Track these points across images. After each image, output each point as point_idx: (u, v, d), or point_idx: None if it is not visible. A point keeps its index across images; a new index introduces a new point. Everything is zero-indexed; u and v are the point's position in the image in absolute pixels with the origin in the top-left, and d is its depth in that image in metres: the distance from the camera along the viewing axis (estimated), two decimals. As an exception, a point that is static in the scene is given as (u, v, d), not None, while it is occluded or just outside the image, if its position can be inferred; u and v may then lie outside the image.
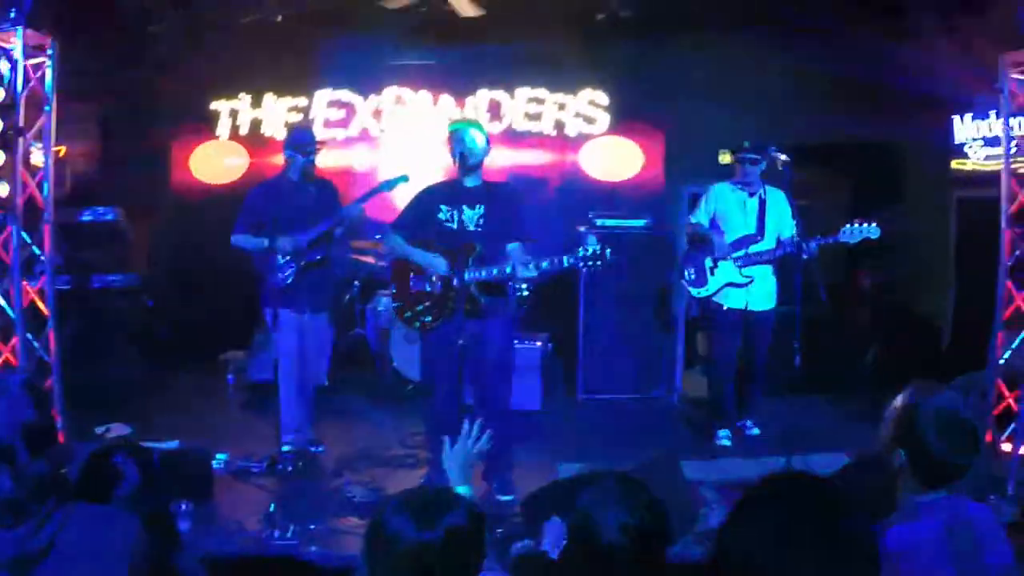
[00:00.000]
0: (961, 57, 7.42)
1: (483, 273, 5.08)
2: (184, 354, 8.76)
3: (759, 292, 6.60)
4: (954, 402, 2.52)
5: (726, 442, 6.63)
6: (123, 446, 3.01)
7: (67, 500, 2.41)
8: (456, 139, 5.23)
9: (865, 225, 6.15)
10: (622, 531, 2.14)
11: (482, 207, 5.21)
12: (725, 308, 6.64)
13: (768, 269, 6.61)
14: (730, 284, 6.61)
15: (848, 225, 6.16)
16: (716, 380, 6.90)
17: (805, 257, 6.12)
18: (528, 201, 8.20)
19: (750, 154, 6.51)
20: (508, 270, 5.04)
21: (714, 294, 6.66)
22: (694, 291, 6.77)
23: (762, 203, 6.61)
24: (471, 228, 5.16)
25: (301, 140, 6.05)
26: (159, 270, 8.99)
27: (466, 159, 5.12)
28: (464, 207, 5.11)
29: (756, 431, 6.84)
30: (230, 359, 8.28)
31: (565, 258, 4.96)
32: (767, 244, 6.56)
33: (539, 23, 8.56)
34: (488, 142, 5.36)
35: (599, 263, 4.91)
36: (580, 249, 4.90)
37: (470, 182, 5.22)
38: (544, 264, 4.98)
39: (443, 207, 5.27)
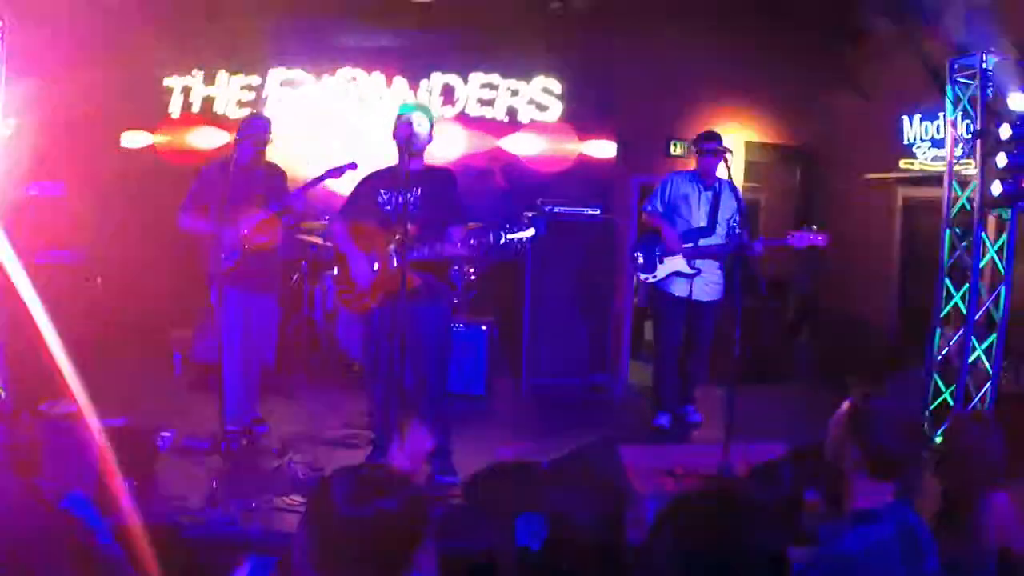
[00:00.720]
0: (912, 57, 7.58)
1: (413, 254, 5.11)
2: (131, 332, 8.73)
3: (705, 283, 6.70)
4: (895, 402, 2.70)
5: (664, 423, 6.82)
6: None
7: None
8: (402, 123, 5.27)
9: (813, 233, 6.28)
10: (595, 518, 2.22)
11: (419, 189, 5.25)
12: (671, 295, 6.75)
13: (715, 263, 6.72)
14: (677, 273, 6.71)
15: (797, 231, 6.35)
16: (658, 365, 6.98)
17: (749, 255, 6.28)
18: (478, 186, 8.35)
19: (712, 146, 6.50)
20: (437, 247, 5.10)
21: (661, 281, 6.76)
22: (642, 275, 6.85)
23: (716, 197, 6.66)
24: (410, 210, 5.19)
25: (256, 129, 6.03)
26: (107, 247, 8.91)
27: (410, 144, 5.14)
28: (403, 191, 5.13)
29: (697, 417, 6.98)
30: (177, 338, 8.25)
31: (491, 233, 4.98)
32: (716, 239, 6.64)
33: (494, 9, 8.61)
34: (432, 129, 5.40)
35: (525, 236, 4.96)
36: (507, 224, 4.96)
37: (411, 166, 5.24)
38: (471, 241, 5.04)
39: (382, 191, 5.31)
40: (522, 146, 9.60)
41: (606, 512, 2.26)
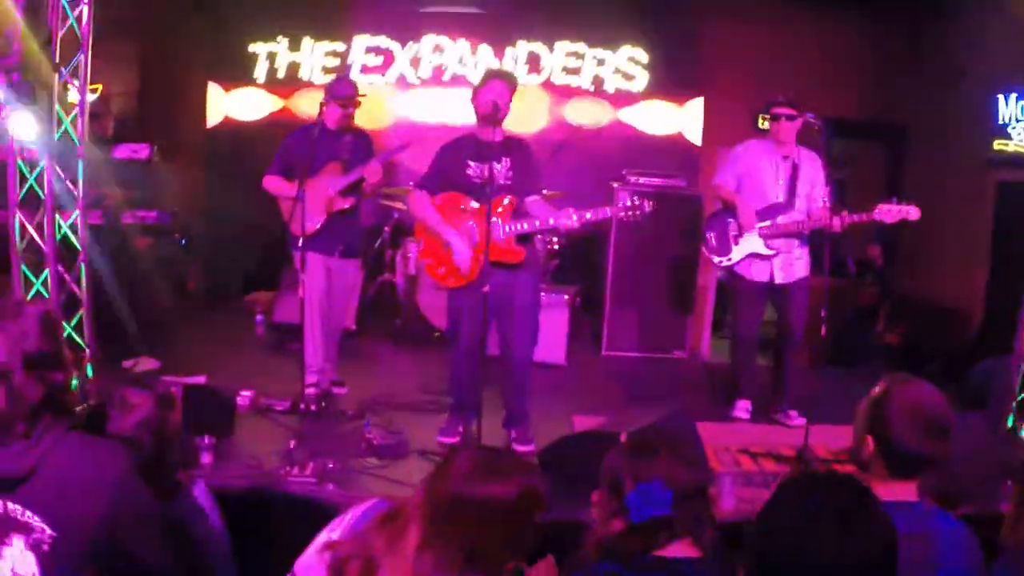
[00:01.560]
0: (1009, 35, 7.28)
1: (523, 225, 5.08)
2: (214, 293, 8.89)
3: (787, 264, 6.10)
4: (929, 394, 2.53)
5: (743, 414, 6.24)
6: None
7: (61, 426, 2.44)
8: (485, 91, 5.19)
9: (904, 205, 5.68)
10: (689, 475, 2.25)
11: (507, 160, 5.19)
12: (750, 280, 6.18)
13: (796, 240, 6.08)
14: (754, 255, 6.13)
15: (885, 203, 5.71)
16: (736, 352, 6.41)
17: (835, 232, 5.68)
18: (561, 156, 8.27)
19: (785, 108, 5.93)
20: (551, 221, 5.05)
21: (737, 264, 6.19)
22: (716, 259, 6.27)
23: (794, 168, 6.04)
24: (500, 181, 5.14)
25: (343, 91, 6.03)
26: (192, 209, 9.06)
27: (497, 111, 5.07)
28: (492, 162, 5.07)
29: (798, 421, 6.01)
30: (258, 300, 8.36)
31: (608, 209, 5.01)
32: (798, 215, 6.04)
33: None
34: (511, 96, 5.29)
35: (638, 212, 4.95)
36: (619, 200, 4.94)
37: (494, 136, 5.17)
38: (587, 215, 5.00)
39: (471, 162, 5.24)
40: (608, 116, 9.48)
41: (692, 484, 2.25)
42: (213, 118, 9.71)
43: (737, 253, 6.16)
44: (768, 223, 6.06)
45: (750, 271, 6.15)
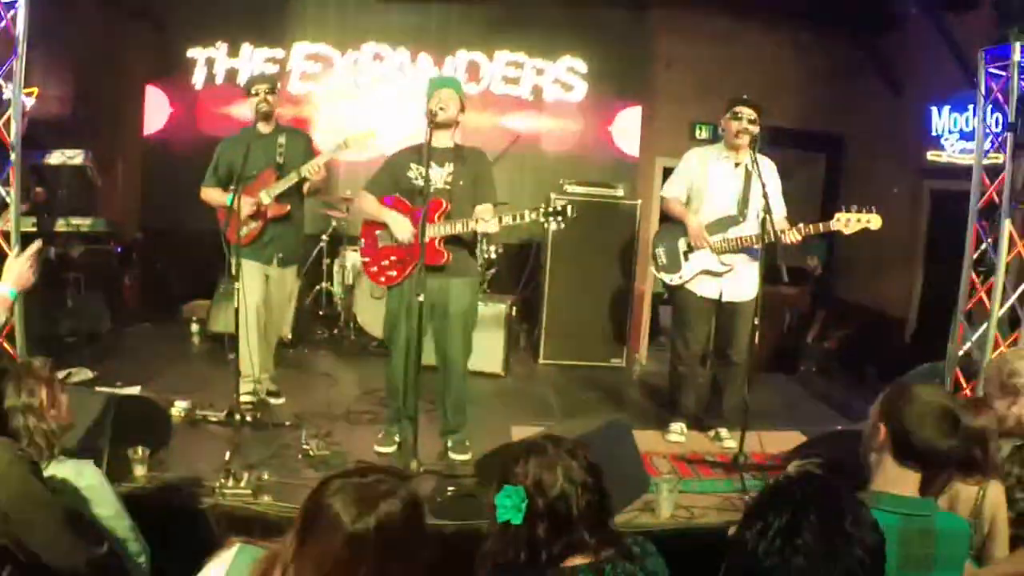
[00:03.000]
0: (942, 50, 7.47)
1: (446, 228, 5.10)
2: (149, 302, 8.78)
3: (738, 281, 5.77)
4: (944, 392, 2.74)
5: (678, 437, 5.95)
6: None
7: None
8: (430, 96, 5.23)
9: (864, 214, 5.36)
10: (566, 476, 2.21)
11: (451, 165, 5.22)
12: (698, 297, 5.87)
13: (748, 256, 5.75)
14: (706, 272, 5.82)
15: (845, 212, 5.38)
16: (678, 372, 6.09)
17: (787, 243, 5.40)
18: (501, 165, 8.29)
19: (750, 107, 5.62)
20: (471, 224, 5.07)
21: (687, 282, 5.89)
22: (666, 277, 5.96)
23: (747, 176, 5.71)
24: (439, 185, 5.17)
25: (250, 81, 6.06)
26: (127, 217, 8.94)
27: (436, 116, 5.09)
28: (433, 164, 5.10)
29: (730, 443, 5.71)
30: (194, 309, 8.27)
31: (527, 211, 4.96)
32: (750, 228, 5.69)
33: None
34: (462, 103, 5.35)
35: (561, 218, 4.93)
36: (542, 205, 4.94)
37: (440, 142, 5.20)
38: (507, 218, 5.00)
39: (412, 165, 5.27)
40: (547, 125, 9.54)
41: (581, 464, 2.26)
42: (153, 123, 9.59)
43: (688, 271, 5.88)
44: (720, 237, 5.76)
45: (699, 288, 5.87)
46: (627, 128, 9.59)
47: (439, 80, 5.57)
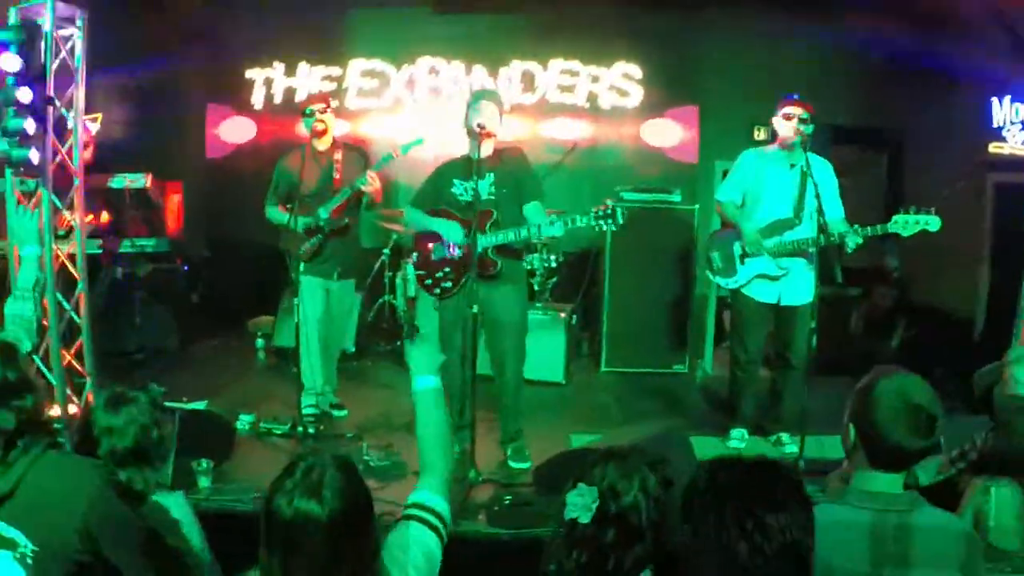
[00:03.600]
0: (1002, 39, 7.31)
1: (500, 237, 5.12)
2: (214, 319, 8.95)
3: (795, 285, 5.69)
4: (915, 387, 2.49)
5: (739, 443, 5.91)
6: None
7: (37, 447, 2.56)
8: (473, 110, 5.28)
9: (923, 215, 5.21)
10: (642, 487, 2.21)
11: (492, 175, 5.26)
12: (755, 301, 5.82)
13: (803, 260, 5.66)
14: (762, 276, 5.75)
15: (902, 214, 5.24)
16: (737, 377, 6.06)
17: (849, 248, 5.34)
18: (558, 174, 8.31)
19: (800, 106, 5.51)
20: (524, 232, 5.10)
21: (743, 286, 5.84)
22: (721, 281, 5.97)
23: (803, 176, 5.55)
24: (484, 196, 5.20)
25: (305, 100, 6.22)
26: (192, 236, 9.13)
27: (483, 130, 5.13)
28: (475, 178, 5.14)
29: (792, 448, 5.61)
30: (258, 324, 8.40)
31: (579, 216, 4.98)
32: (806, 230, 5.58)
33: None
34: (501, 112, 5.38)
35: (611, 220, 4.93)
36: (593, 209, 4.95)
37: (482, 152, 5.24)
38: (558, 224, 5.03)
39: (456, 181, 5.34)
40: (603, 132, 9.52)
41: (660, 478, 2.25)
42: (216, 143, 9.79)
43: (744, 275, 5.82)
44: (776, 240, 5.68)
45: (755, 292, 5.82)
46: (684, 132, 9.51)
47: (480, 93, 5.60)
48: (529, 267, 7.41)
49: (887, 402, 2.44)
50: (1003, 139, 7.83)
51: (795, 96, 5.60)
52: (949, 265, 8.51)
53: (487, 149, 5.29)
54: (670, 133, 9.53)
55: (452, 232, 5.29)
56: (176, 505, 3.11)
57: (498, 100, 5.43)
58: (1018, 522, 2.88)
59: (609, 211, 4.95)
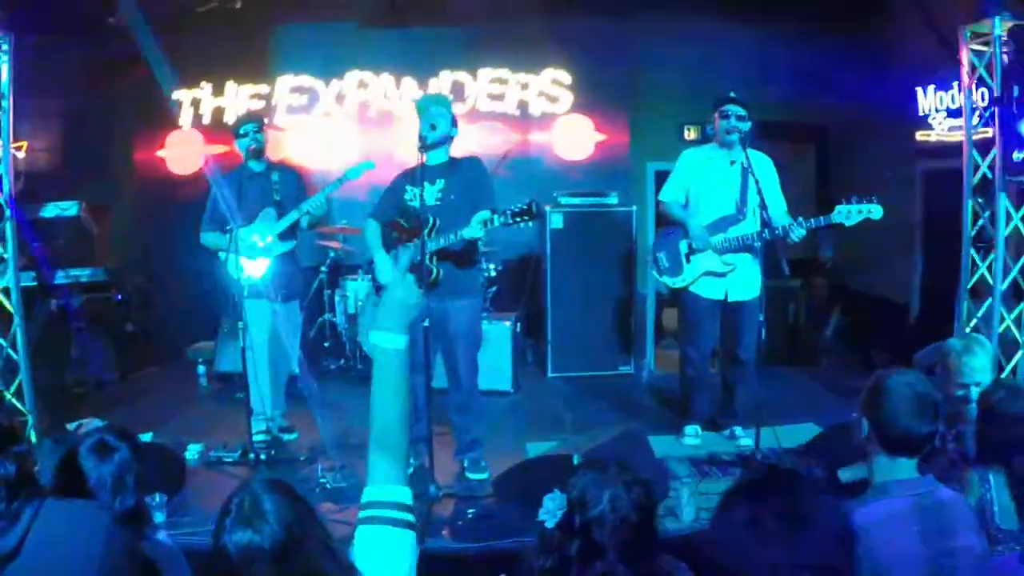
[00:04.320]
0: (924, 28, 7.47)
1: (432, 244, 5.09)
2: (153, 347, 8.78)
3: (742, 280, 5.78)
4: (918, 378, 2.74)
5: (694, 440, 5.95)
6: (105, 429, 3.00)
7: (35, 497, 2.44)
8: (420, 116, 5.26)
9: (865, 204, 5.31)
10: (612, 503, 2.21)
11: (442, 181, 5.24)
12: (703, 299, 5.88)
13: (750, 254, 5.74)
14: (709, 273, 5.82)
15: (844, 204, 5.34)
16: (688, 375, 6.11)
17: (793, 240, 5.45)
18: (493, 181, 8.29)
19: (737, 104, 5.64)
20: (452, 236, 5.05)
21: (691, 284, 5.90)
22: (669, 281, 5.98)
23: (744, 172, 5.61)
24: (431, 203, 5.17)
25: (238, 121, 6.13)
26: (126, 264, 8.95)
27: (426, 137, 5.11)
28: (426, 184, 5.11)
29: (747, 441, 5.68)
30: (199, 350, 8.26)
31: (496, 217, 4.90)
32: (750, 225, 5.67)
33: (499, 3, 8.57)
34: (454, 119, 5.37)
35: (527, 217, 4.86)
36: (508, 209, 4.89)
37: (434, 159, 5.22)
38: (475, 225, 4.94)
39: (408, 187, 5.32)
40: (536, 139, 9.54)
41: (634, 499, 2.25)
42: (145, 168, 9.61)
43: (691, 273, 5.88)
44: (722, 237, 5.75)
45: (703, 289, 5.88)
46: (615, 135, 9.55)
47: (425, 99, 5.57)
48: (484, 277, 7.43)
49: (896, 393, 2.66)
50: (930, 127, 8.01)
51: (731, 95, 5.70)
52: (882, 252, 8.69)
53: (440, 155, 5.29)
54: (601, 137, 9.55)
55: (381, 270, 5.37)
56: (165, 539, 3.06)
57: (446, 105, 5.41)
58: (1013, 502, 3.03)
59: (525, 207, 4.88)
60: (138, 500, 2.98)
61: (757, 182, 5.33)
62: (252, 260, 5.85)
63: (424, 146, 5.09)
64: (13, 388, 5.46)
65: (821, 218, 5.42)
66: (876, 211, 5.33)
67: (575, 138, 9.51)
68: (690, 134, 9.54)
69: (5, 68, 5.29)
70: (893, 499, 2.61)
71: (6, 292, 5.42)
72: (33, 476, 2.52)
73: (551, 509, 2.24)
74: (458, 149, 5.49)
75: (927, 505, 2.59)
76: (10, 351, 5.44)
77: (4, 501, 2.36)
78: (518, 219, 4.87)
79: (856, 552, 2.37)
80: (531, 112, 9.47)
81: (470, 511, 4.66)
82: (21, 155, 7.55)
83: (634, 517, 2.22)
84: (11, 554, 2.33)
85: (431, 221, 5.12)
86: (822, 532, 1.93)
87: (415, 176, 5.23)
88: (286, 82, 9.44)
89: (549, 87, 9.43)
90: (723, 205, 5.79)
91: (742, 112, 5.63)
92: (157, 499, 4.57)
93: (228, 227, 5.75)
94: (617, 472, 2.28)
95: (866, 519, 2.52)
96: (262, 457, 5.65)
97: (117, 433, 3.03)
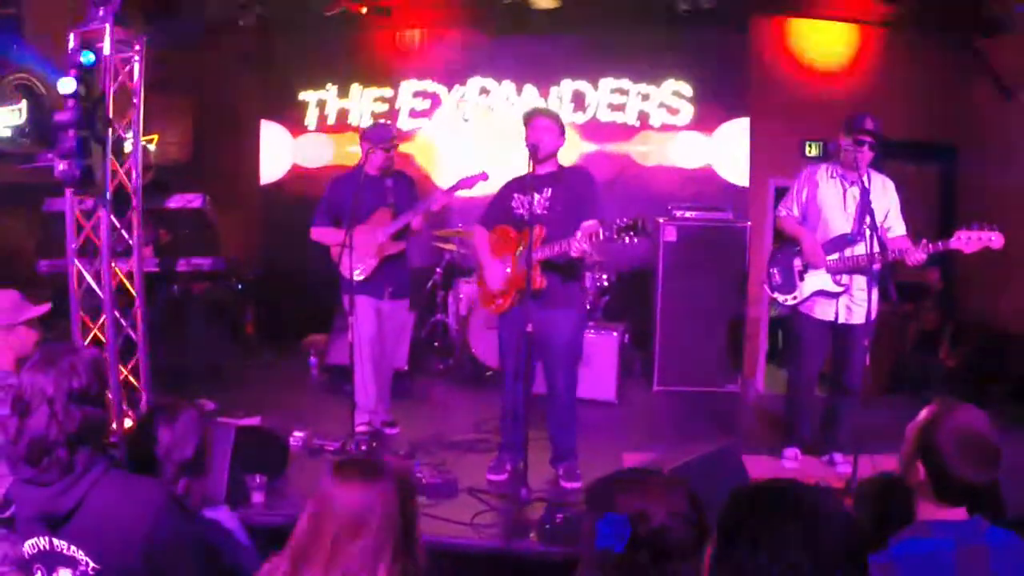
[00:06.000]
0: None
1: (541, 253, 5.12)
2: (269, 336, 9.06)
3: (854, 302, 5.63)
4: (976, 420, 2.50)
5: (792, 463, 5.86)
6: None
7: (100, 462, 2.59)
8: (528, 128, 5.30)
9: (985, 232, 5.11)
10: (670, 515, 2.19)
11: (549, 190, 5.26)
12: (813, 319, 5.74)
13: (864, 277, 5.55)
14: (821, 292, 5.68)
15: (966, 230, 5.14)
16: (793, 396, 6.02)
17: (911, 265, 5.31)
18: (609, 193, 8.28)
19: (864, 134, 5.42)
20: (560, 244, 5.05)
21: (802, 303, 5.78)
22: (780, 298, 5.87)
23: (864, 193, 5.39)
24: (537, 211, 5.21)
25: (380, 136, 6.14)
26: (247, 255, 9.25)
27: (537, 149, 5.15)
28: (534, 193, 5.15)
29: (845, 468, 5.53)
30: (313, 342, 8.49)
31: (601, 231, 4.86)
32: (866, 247, 5.43)
33: (622, 13, 8.59)
34: (562, 130, 5.39)
35: (633, 233, 4.79)
36: (615, 222, 4.83)
37: (543, 169, 5.27)
38: (583, 239, 4.91)
39: (515, 195, 5.37)
40: (654, 151, 9.49)
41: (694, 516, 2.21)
42: (270, 165, 9.95)
43: (804, 290, 5.75)
44: (836, 256, 5.62)
45: (814, 310, 5.74)
46: (735, 149, 9.43)
47: (532, 111, 5.58)
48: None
49: (953, 440, 2.45)
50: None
51: (869, 123, 5.48)
52: (1002, 277, 8.34)
53: (548, 166, 5.32)
54: (722, 150, 9.44)
55: (492, 274, 5.44)
56: (225, 519, 3.14)
57: (553, 117, 5.43)
58: None
59: (631, 223, 4.83)
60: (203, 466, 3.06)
61: (870, 203, 5.22)
62: (363, 259, 5.99)
63: (538, 157, 5.15)
64: (130, 366, 5.68)
65: (939, 243, 5.22)
66: (997, 240, 5.13)
67: (695, 151, 9.42)
68: (811, 151, 9.34)
69: (137, 67, 5.52)
70: (938, 540, 2.43)
71: (130, 276, 5.65)
72: (103, 445, 2.68)
73: (616, 533, 2.21)
74: (576, 158, 5.52)
75: (971, 548, 2.40)
76: (130, 331, 5.67)
77: (67, 450, 2.54)
78: (623, 234, 4.84)
79: None
80: (651, 123, 9.42)
81: (559, 516, 4.66)
82: (152, 148, 7.90)
83: (692, 514, 2.20)
84: (66, 516, 2.50)
85: (540, 230, 5.16)
86: (836, 540, 1.82)
87: (523, 184, 5.29)
88: (409, 87, 9.62)
89: (670, 98, 9.36)
90: (840, 224, 5.65)
91: (872, 133, 5.44)
92: (258, 479, 4.72)
93: (341, 225, 5.90)
94: (655, 477, 2.28)
95: (903, 554, 2.37)
96: (363, 448, 5.77)
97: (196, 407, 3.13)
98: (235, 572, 2.96)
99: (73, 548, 2.50)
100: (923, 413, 2.57)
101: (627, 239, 4.83)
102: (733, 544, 1.89)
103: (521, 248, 5.18)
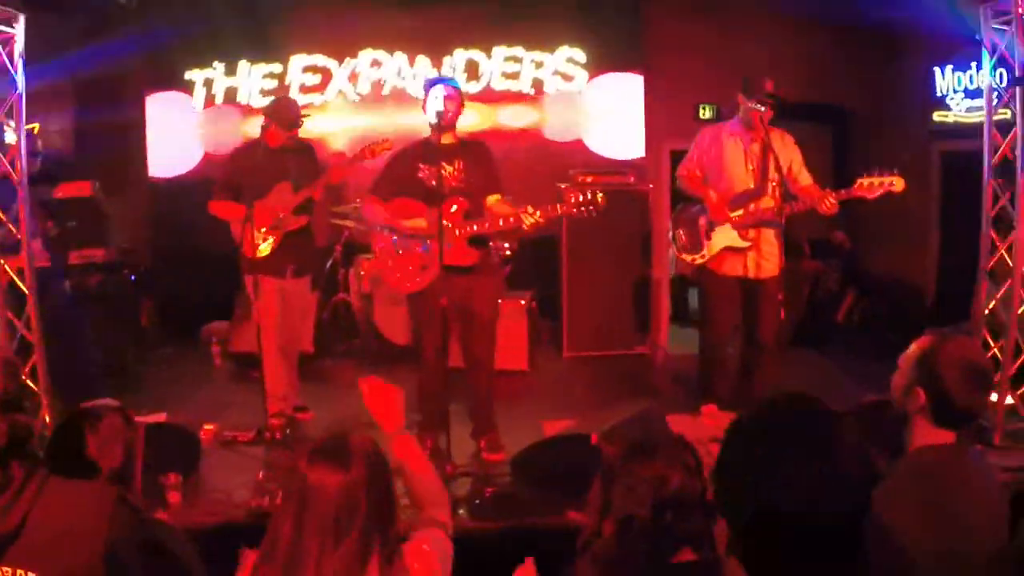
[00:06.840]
0: (942, 8, 7.37)
1: (473, 227, 5.05)
2: (168, 328, 8.77)
3: (763, 256, 5.71)
4: (973, 349, 2.66)
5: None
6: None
7: (38, 475, 2.41)
8: (430, 96, 5.21)
9: (887, 178, 5.28)
10: (686, 472, 2.20)
11: (459, 162, 5.19)
12: (723, 276, 5.82)
13: (771, 230, 5.65)
14: (729, 249, 5.75)
15: (867, 176, 5.31)
16: (707, 354, 6.11)
17: (825, 213, 5.43)
18: (507, 160, 8.23)
19: (762, 94, 5.52)
20: (494, 220, 5.02)
21: (711, 260, 5.83)
22: (688, 256, 5.91)
23: (764, 150, 5.57)
24: (452, 184, 5.13)
25: (286, 113, 5.95)
26: (139, 244, 8.94)
27: (441, 116, 5.06)
28: (443, 163, 5.07)
29: None
30: (214, 330, 8.24)
31: (558, 205, 4.90)
32: (770, 200, 5.61)
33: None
34: (462, 99, 5.32)
35: (591, 208, 4.85)
36: (572, 196, 4.84)
37: (445, 140, 5.17)
38: (534, 215, 4.90)
39: (421, 166, 5.25)
40: (549, 118, 9.46)
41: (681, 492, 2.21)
42: (157, 147, 9.59)
43: (710, 248, 5.80)
44: (741, 212, 5.69)
45: (723, 266, 5.81)
46: (630, 114, 9.45)
47: (434, 79, 5.50)
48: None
49: (955, 367, 2.53)
50: (947, 108, 7.91)
51: (768, 86, 5.60)
52: (898, 235, 8.61)
53: (449, 136, 5.23)
54: (616, 115, 9.45)
55: (408, 247, 5.27)
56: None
57: (455, 85, 5.36)
58: None
59: (588, 198, 4.84)
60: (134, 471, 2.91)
61: (777, 158, 5.32)
62: (264, 235, 5.79)
63: (442, 125, 5.05)
64: (27, 368, 5.43)
65: (843, 191, 5.38)
66: (898, 182, 5.31)
67: (588, 116, 9.41)
68: (705, 113, 9.44)
69: (17, 46, 5.22)
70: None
71: (20, 273, 5.39)
72: (32, 452, 2.49)
73: (636, 499, 2.20)
74: (472, 127, 5.46)
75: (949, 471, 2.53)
76: (24, 332, 5.42)
77: None
78: (583, 208, 4.87)
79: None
80: (546, 90, 9.38)
81: (488, 490, 4.64)
82: (34, 136, 7.54)
83: (700, 465, 2.22)
84: (14, 533, 2.31)
85: (464, 203, 5.13)
86: (847, 464, 1.68)
87: (428, 154, 5.19)
88: (299, 61, 9.38)
89: (564, 65, 9.33)
90: (743, 181, 5.74)
91: (770, 95, 5.54)
92: (172, 478, 4.56)
93: (241, 200, 5.71)
94: (667, 441, 2.27)
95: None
96: (277, 436, 5.63)
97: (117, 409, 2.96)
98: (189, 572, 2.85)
99: (20, 573, 2.31)
100: (917, 344, 2.65)
101: (586, 212, 4.81)
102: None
103: (447, 222, 5.05)
